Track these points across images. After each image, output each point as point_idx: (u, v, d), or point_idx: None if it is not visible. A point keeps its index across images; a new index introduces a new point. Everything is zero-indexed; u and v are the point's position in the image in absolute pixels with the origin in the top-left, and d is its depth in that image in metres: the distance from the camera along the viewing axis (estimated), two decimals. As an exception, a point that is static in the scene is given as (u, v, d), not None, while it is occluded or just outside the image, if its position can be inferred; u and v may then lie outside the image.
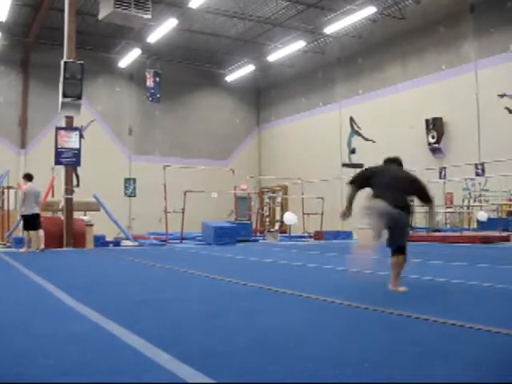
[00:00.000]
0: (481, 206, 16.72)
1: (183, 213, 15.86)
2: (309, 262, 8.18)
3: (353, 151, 21.76)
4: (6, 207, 15.82)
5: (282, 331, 3.22)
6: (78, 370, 2.38)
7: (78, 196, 13.96)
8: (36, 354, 2.69)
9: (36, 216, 11.63)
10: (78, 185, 14.75)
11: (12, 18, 18.38)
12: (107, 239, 14.85)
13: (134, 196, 22.22)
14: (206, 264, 8.80)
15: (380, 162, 5.17)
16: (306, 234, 18.82)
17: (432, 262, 8.27)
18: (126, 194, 22.02)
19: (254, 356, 2.61)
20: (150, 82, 21.35)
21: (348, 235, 18.42)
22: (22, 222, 12.19)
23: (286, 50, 21.49)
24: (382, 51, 20.50)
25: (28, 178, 11.94)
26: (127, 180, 22.25)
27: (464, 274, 6.48)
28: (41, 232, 11.70)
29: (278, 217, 23.79)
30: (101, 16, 13.38)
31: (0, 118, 21.87)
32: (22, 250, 11.72)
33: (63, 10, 13.53)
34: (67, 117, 13.28)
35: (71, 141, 12.90)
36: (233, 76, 25.72)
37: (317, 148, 23.32)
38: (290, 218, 18.18)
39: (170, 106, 24.96)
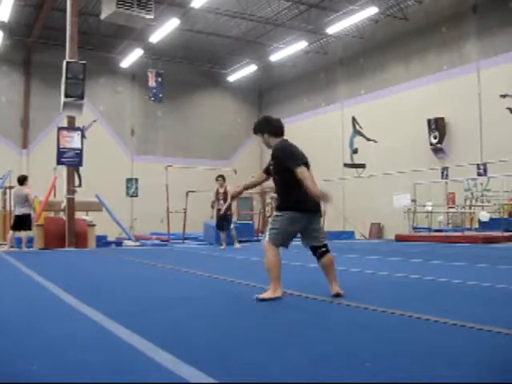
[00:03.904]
0: (482, 206, 16.71)
1: (185, 213, 15.86)
2: (309, 262, 8.18)
3: (355, 151, 21.76)
4: (7, 207, 15.84)
5: (282, 331, 3.22)
6: (79, 370, 2.38)
7: (80, 196, 13.98)
8: (36, 353, 2.69)
9: (21, 216, 11.85)
10: (79, 185, 14.77)
11: (14, 18, 18.38)
12: (109, 239, 14.88)
13: (136, 196, 22.23)
14: (208, 264, 8.81)
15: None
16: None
17: (433, 262, 8.27)
18: (128, 194, 22.03)
19: (255, 356, 2.61)
20: (152, 82, 21.35)
21: (350, 235, 18.42)
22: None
23: (288, 51, 21.49)
24: (384, 51, 20.49)
25: (18, 181, 12.32)
26: (129, 180, 22.26)
27: (465, 274, 6.47)
28: (23, 233, 12.04)
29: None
30: (103, 16, 13.39)
31: (2, 119, 21.90)
32: (3, 248, 11.98)
33: (65, 10, 13.54)
34: (69, 117, 13.29)
35: (73, 141, 12.91)
36: (235, 76, 25.73)
37: (319, 148, 23.26)
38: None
39: (172, 106, 24.98)
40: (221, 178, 12.88)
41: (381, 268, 7.16)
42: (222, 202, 12.64)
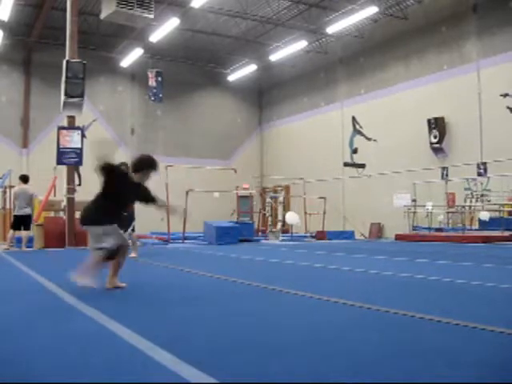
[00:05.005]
0: (483, 206, 16.71)
1: (185, 212, 15.84)
2: (314, 262, 8.17)
3: (355, 151, 21.75)
4: (7, 207, 15.83)
5: (283, 331, 3.21)
6: (79, 370, 2.38)
7: (80, 195, 13.95)
8: (37, 353, 2.68)
9: (26, 217, 11.79)
10: (79, 184, 14.76)
11: (14, 17, 18.36)
12: (109, 239, 14.85)
13: (136, 196, 22.21)
14: (209, 264, 8.80)
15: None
16: (308, 234, 18.81)
17: (440, 262, 8.26)
18: (127, 193, 22.01)
19: (256, 356, 2.60)
20: (151, 82, 21.33)
21: (350, 235, 18.41)
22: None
23: (288, 50, 21.47)
24: (384, 51, 20.47)
25: (22, 179, 12.15)
26: (129, 179, 22.25)
27: (470, 274, 6.47)
28: (24, 233, 11.99)
29: (279, 217, 23.78)
30: (103, 15, 13.40)
31: (2, 118, 21.88)
32: (3, 248, 11.95)
33: (65, 10, 13.53)
34: (69, 116, 13.29)
35: (73, 140, 12.91)
36: (235, 76, 25.72)
37: (319, 148, 23.31)
38: (292, 217, 18.16)
39: (171, 106, 24.96)
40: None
41: (386, 268, 7.15)
42: None
